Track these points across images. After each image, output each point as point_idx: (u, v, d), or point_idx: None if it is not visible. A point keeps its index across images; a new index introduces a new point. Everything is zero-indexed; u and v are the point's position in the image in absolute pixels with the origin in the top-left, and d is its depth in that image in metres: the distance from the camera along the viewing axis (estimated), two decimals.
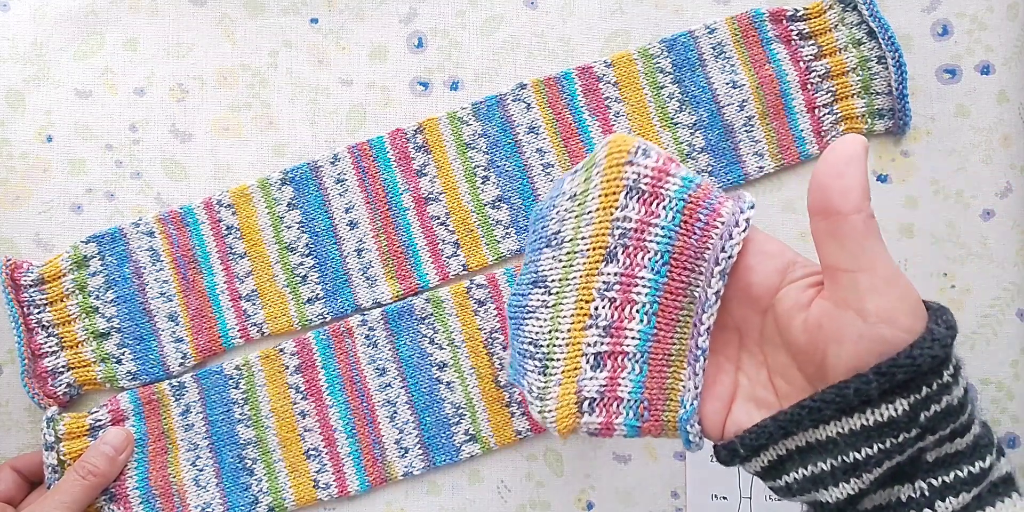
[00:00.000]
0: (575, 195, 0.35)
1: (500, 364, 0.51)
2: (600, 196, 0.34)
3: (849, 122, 0.51)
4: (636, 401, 0.34)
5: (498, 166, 0.52)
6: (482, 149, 0.52)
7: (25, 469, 0.49)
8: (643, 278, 0.33)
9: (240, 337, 0.51)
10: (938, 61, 0.52)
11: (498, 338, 0.51)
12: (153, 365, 0.51)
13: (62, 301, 0.51)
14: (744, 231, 0.32)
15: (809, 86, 0.51)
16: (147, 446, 0.50)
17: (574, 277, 0.35)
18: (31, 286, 0.50)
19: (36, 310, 0.50)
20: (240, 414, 0.50)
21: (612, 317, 0.34)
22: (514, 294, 0.38)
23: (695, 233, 0.33)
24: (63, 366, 0.50)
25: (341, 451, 0.50)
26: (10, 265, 0.50)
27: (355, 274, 0.52)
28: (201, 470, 0.50)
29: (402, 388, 0.51)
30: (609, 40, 0.53)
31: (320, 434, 0.51)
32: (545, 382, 0.35)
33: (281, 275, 0.52)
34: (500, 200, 0.52)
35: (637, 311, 0.33)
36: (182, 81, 0.54)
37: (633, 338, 0.34)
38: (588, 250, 0.34)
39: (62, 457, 0.49)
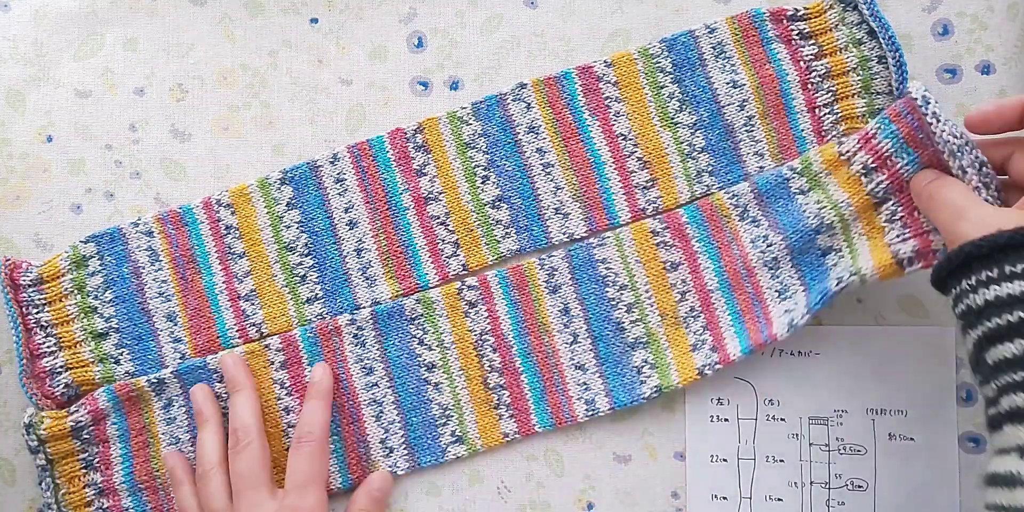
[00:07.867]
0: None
1: (490, 366, 0.50)
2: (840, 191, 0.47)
3: (850, 122, 0.51)
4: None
5: (498, 166, 0.52)
6: (482, 149, 0.52)
7: None
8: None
9: (239, 337, 0.51)
10: (938, 61, 0.52)
11: (488, 340, 0.51)
12: (151, 365, 0.51)
13: (61, 301, 0.51)
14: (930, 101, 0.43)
15: (809, 86, 0.51)
16: (130, 440, 0.50)
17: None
18: (30, 286, 0.50)
19: (35, 310, 0.50)
20: (224, 408, 0.50)
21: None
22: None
23: (910, 123, 0.45)
24: (61, 366, 0.50)
25: None
26: (9, 265, 0.50)
27: (354, 274, 0.52)
28: None
29: (389, 388, 0.50)
30: (609, 40, 0.53)
31: None
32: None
33: (280, 275, 0.52)
34: (500, 200, 0.52)
35: None
36: (182, 81, 0.54)
37: None
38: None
39: (50, 458, 0.49)
